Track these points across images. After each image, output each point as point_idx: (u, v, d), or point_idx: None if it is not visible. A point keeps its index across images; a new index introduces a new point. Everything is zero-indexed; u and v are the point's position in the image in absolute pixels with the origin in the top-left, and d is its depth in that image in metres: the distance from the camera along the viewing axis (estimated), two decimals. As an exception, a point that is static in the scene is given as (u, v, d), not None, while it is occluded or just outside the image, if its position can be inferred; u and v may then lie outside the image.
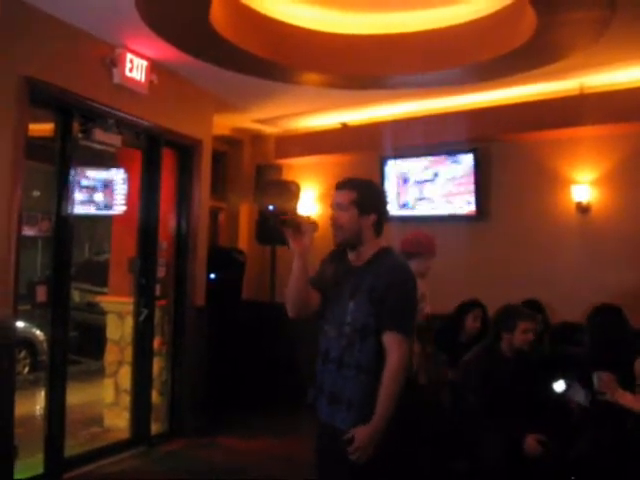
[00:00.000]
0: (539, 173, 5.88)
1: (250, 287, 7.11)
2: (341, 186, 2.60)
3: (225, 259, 6.61)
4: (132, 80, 4.80)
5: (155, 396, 5.51)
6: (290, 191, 6.63)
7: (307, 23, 4.76)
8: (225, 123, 6.77)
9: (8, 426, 3.93)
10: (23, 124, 4.02)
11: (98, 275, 7.70)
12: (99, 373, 5.96)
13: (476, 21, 4.52)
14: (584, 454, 3.30)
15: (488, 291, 4.91)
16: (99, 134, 4.75)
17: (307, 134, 7.20)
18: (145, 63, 4.89)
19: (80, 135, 4.61)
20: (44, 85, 4.15)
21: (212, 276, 6.16)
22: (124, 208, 6.00)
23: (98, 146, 5.07)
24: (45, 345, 5.13)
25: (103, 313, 5.79)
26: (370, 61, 4.98)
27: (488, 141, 6.13)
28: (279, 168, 7.40)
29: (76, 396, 5.23)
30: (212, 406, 5.85)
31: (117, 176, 6.34)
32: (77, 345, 6.82)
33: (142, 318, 5.30)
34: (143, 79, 4.90)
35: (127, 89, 4.80)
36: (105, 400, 5.68)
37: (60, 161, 4.47)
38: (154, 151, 5.39)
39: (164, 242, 5.61)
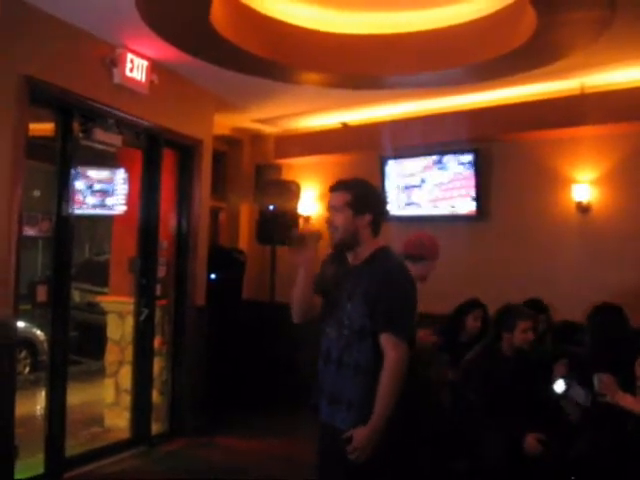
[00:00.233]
0: (539, 173, 5.88)
1: (250, 287, 7.11)
2: (335, 188, 2.60)
3: (225, 259, 6.62)
4: (132, 80, 4.80)
5: (155, 396, 5.51)
6: (290, 191, 6.64)
7: (307, 23, 4.75)
8: (225, 123, 6.77)
9: (9, 426, 3.93)
10: (23, 124, 4.02)
11: (98, 275, 7.70)
12: (99, 373, 5.97)
13: (476, 21, 4.51)
14: (584, 455, 3.30)
15: (488, 291, 4.91)
16: (99, 134, 4.75)
17: (307, 134, 7.20)
18: (145, 63, 4.89)
19: (80, 135, 4.61)
20: (44, 85, 4.15)
21: (212, 276, 6.16)
22: (124, 208, 6.00)
23: (98, 146, 5.07)
24: (45, 345, 5.14)
25: (103, 313, 5.80)
26: (370, 61, 4.98)
27: (489, 141, 6.12)
28: (279, 168, 7.41)
29: (76, 396, 5.23)
30: (212, 406, 5.85)
31: (118, 176, 6.35)
32: (77, 345, 6.81)
33: (142, 318, 5.30)
34: (143, 79, 4.90)
35: (127, 89, 4.80)
36: (105, 400, 5.69)
37: (60, 161, 4.48)
38: (154, 151, 5.39)
39: (164, 242, 5.61)
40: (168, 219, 5.67)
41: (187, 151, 5.74)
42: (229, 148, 7.52)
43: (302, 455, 3.94)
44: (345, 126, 6.88)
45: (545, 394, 3.59)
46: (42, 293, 4.48)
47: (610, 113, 5.35)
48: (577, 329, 4.05)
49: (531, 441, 3.40)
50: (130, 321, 5.42)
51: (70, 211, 4.50)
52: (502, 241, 6.02)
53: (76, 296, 7.87)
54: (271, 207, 6.54)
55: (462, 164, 6.21)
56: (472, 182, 6.15)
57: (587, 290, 5.08)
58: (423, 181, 6.47)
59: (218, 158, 6.81)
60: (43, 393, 4.58)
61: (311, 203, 7.17)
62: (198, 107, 5.77)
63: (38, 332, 7.11)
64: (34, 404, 5.67)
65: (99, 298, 6.39)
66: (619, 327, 3.67)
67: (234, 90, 5.79)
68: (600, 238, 5.55)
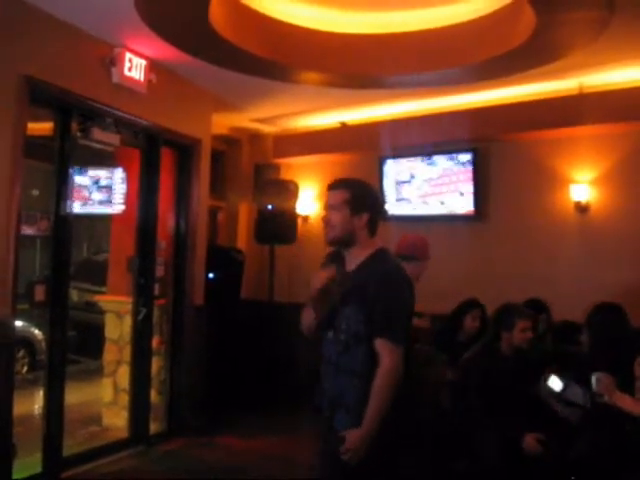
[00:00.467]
0: (538, 173, 5.89)
1: (249, 286, 7.10)
2: (333, 186, 2.60)
3: (224, 258, 6.61)
4: (131, 79, 4.80)
5: (154, 395, 5.51)
6: (289, 190, 6.64)
7: (306, 22, 4.76)
8: (224, 122, 6.77)
9: (7, 425, 3.92)
10: (22, 123, 4.02)
11: (97, 274, 7.70)
12: (98, 372, 5.96)
13: (475, 20, 4.52)
14: (583, 455, 3.29)
15: (487, 291, 4.91)
16: (98, 133, 4.75)
17: (306, 133, 7.20)
18: (144, 62, 4.89)
19: (79, 134, 4.60)
20: (43, 84, 4.15)
21: (211, 275, 6.15)
22: (123, 207, 6.00)
23: (97, 145, 5.07)
24: (44, 344, 5.14)
25: (102, 312, 5.79)
26: (369, 60, 4.98)
27: (487, 141, 6.13)
28: (277, 167, 7.41)
29: (75, 395, 5.24)
30: (211, 405, 5.84)
31: (116, 175, 6.34)
32: (76, 344, 6.82)
33: (141, 317, 5.30)
34: (142, 78, 4.90)
35: (126, 88, 4.80)
36: (104, 399, 5.68)
37: (59, 160, 4.47)
38: (153, 150, 5.38)
39: (163, 241, 5.61)
40: (166, 218, 5.66)
41: (186, 150, 5.74)
42: (228, 147, 7.52)
43: (301, 455, 3.95)
44: (344, 126, 6.88)
45: (537, 393, 3.58)
46: (40, 292, 4.47)
47: (608, 113, 5.36)
48: (576, 329, 4.04)
49: (530, 441, 3.40)
50: (128, 320, 5.42)
51: (68, 210, 4.49)
52: (500, 241, 6.03)
53: (74, 295, 7.86)
54: (270, 206, 6.54)
55: (460, 164, 6.22)
56: (470, 182, 6.15)
57: (586, 290, 5.09)
58: (421, 181, 6.47)
59: (217, 157, 6.81)
60: (41, 392, 4.57)
61: (310, 202, 7.16)
62: (197, 106, 5.77)
63: (36, 331, 7.11)
64: (32, 403, 5.65)
65: (97, 297, 6.38)
66: (619, 326, 3.66)
67: (233, 89, 5.78)
68: (599, 238, 5.56)
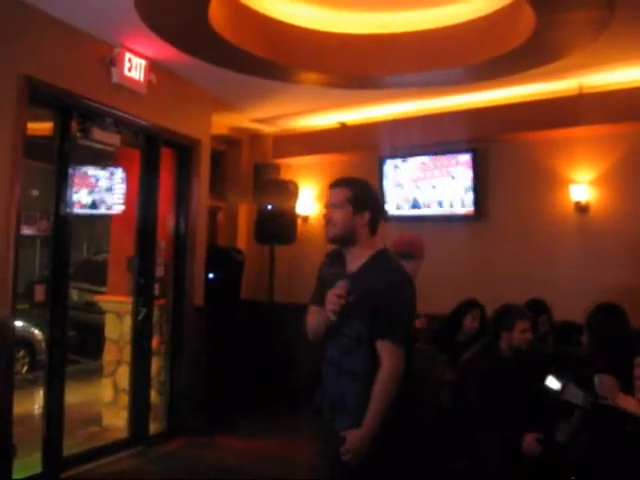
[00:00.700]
0: (537, 173, 5.88)
1: (249, 287, 7.10)
2: (335, 184, 2.60)
3: (224, 259, 6.61)
4: (131, 79, 4.80)
5: (154, 395, 5.51)
6: (288, 190, 6.64)
7: (306, 22, 4.76)
8: (223, 122, 6.77)
9: (6, 425, 3.93)
10: (22, 123, 4.02)
11: (97, 274, 7.70)
12: (97, 372, 5.97)
13: (475, 21, 4.52)
14: (584, 455, 3.29)
15: (486, 291, 4.91)
16: (97, 133, 4.75)
17: (305, 133, 7.19)
18: (144, 62, 4.89)
19: (79, 134, 4.61)
20: (43, 84, 4.15)
21: (211, 276, 6.15)
22: (123, 207, 6.00)
23: (97, 145, 5.07)
24: (43, 344, 5.14)
25: (102, 312, 5.79)
26: (368, 60, 4.98)
27: (487, 141, 6.13)
28: (277, 167, 7.40)
29: (74, 395, 5.23)
30: (211, 406, 5.84)
31: (116, 175, 6.34)
32: (76, 344, 6.83)
33: (141, 317, 5.30)
34: (142, 78, 4.90)
35: (126, 88, 4.80)
36: (103, 399, 5.68)
37: (59, 160, 4.47)
38: (153, 150, 5.39)
39: (163, 241, 5.61)
40: (166, 219, 5.66)
41: (185, 151, 5.74)
42: (227, 148, 7.51)
43: (301, 456, 3.95)
44: (343, 126, 6.88)
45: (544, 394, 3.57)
46: (40, 292, 4.47)
47: (608, 113, 5.36)
48: (576, 329, 4.04)
49: (530, 441, 3.40)
50: (128, 321, 5.42)
51: (68, 210, 4.49)
52: (500, 241, 6.03)
53: (74, 295, 7.86)
54: (269, 207, 6.54)
55: (460, 164, 6.21)
56: (470, 182, 6.15)
57: (585, 290, 5.08)
58: (421, 181, 6.47)
59: (216, 158, 6.80)
60: (41, 392, 4.58)
61: (309, 203, 7.16)
62: (196, 107, 5.77)
63: (36, 331, 7.12)
64: (32, 403, 5.65)
65: (97, 297, 6.38)
66: (619, 326, 3.66)
67: (232, 89, 5.78)
68: (598, 238, 5.55)
